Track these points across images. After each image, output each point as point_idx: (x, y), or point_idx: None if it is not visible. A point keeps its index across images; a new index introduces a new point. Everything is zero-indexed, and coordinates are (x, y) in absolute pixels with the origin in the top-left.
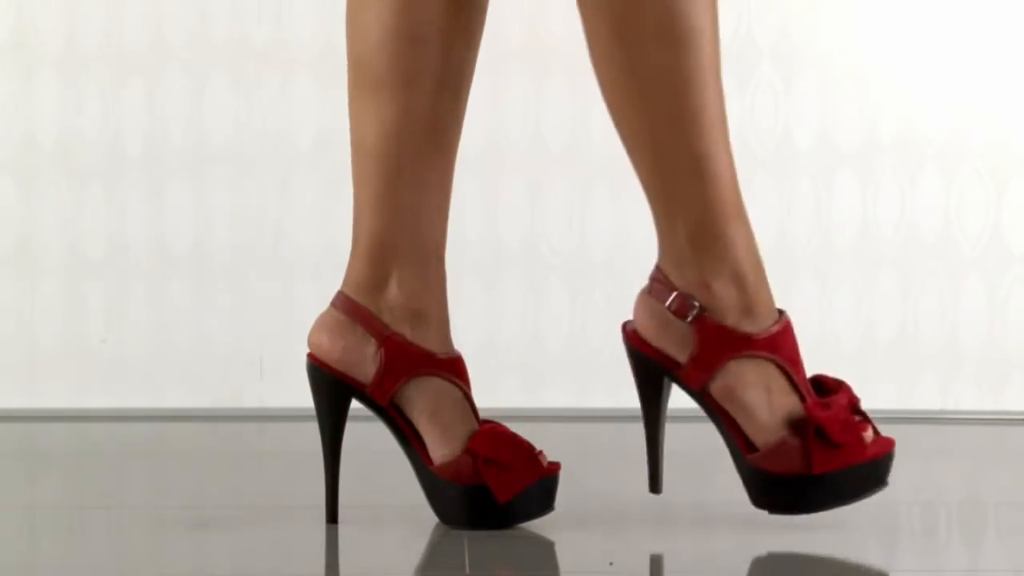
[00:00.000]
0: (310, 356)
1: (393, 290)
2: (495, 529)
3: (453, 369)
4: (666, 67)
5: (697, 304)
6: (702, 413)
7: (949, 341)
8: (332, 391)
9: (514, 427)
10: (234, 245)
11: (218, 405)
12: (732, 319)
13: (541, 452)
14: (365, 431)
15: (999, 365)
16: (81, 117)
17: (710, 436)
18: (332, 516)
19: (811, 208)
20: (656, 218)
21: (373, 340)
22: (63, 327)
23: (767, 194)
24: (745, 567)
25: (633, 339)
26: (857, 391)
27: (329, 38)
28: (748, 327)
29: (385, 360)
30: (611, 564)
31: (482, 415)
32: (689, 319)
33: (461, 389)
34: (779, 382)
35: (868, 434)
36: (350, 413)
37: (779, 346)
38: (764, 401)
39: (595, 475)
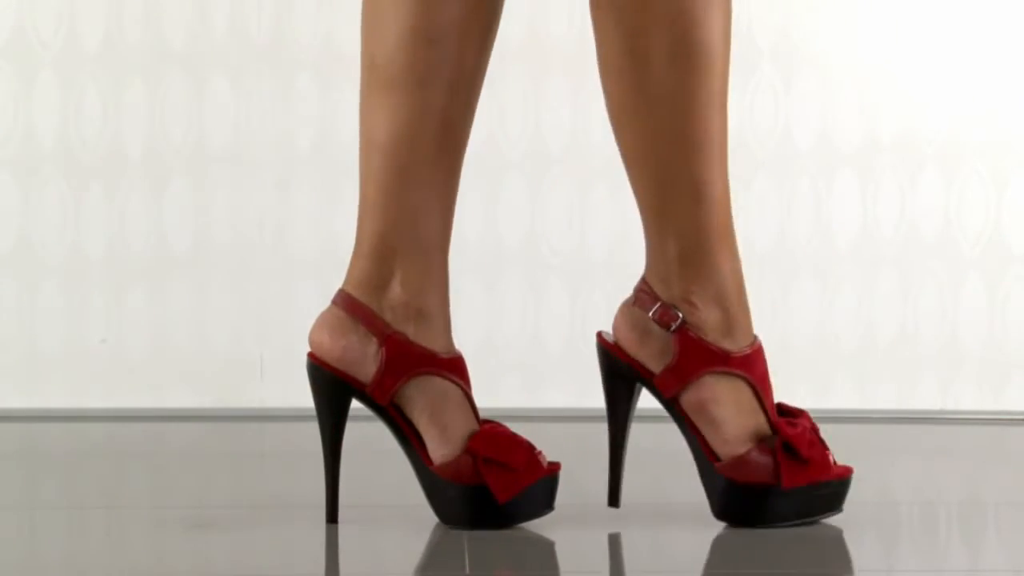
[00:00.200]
0: (310, 355)
1: (396, 289)
2: (495, 529)
3: (454, 369)
4: (676, 87)
5: (680, 315)
6: None
7: (949, 341)
8: (332, 390)
9: (514, 427)
10: (234, 245)
11: (218, 405)
12: (711, 336)
13: (540, 452)
14: (365, 431)
15: (999, 365)
16: (81, 117)
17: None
18: (332, 516)
19: (811, 208)
20: (647, 233)
21: (374, 339)
22: (63, 327)
23: (767, 194)
24: (746, 567)
25: (609, 347)
26: (857, 391)
27: (329, 38)
28: (727, 345)
29: (386, 359)
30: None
31: (482, 415)
32: (672, 328)
33: (462, 389)
34: (749, 400)
35: (831, 457)
36: (350, 413)
37: (753, 366)
38: (732, 416)
39: (595, 475)
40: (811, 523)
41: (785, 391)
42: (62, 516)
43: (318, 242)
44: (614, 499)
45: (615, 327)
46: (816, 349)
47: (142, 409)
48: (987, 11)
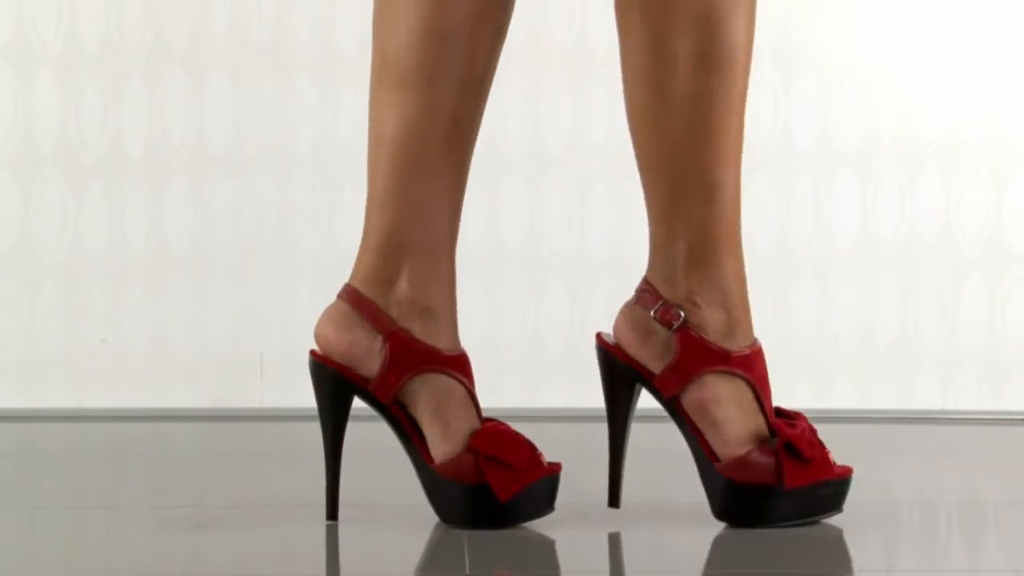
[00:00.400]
0: (313, 352)
1: (403, 285)
2: (495, 528)
3: (458, 366)
4: (698, 90)
5: (682, 314)
6: None
7: (949, 341)
8: (335, 386)
9: (514, 427)
10: (234, 245)
11: (218, 405)
12: (712, 336)
13: (540, 453)
14: (366, 430)
15: (999, 365)
16: (81, 117)
17: None
18: (332, 513)
19: (811, 208)
20: (655, 232)
21: (379, 335)
22: (63, 327)
23: (767, 194)
24: (746, 567)
25: (609, 347)
26: (857, 391)
27: (329, 38)
28: (727, 345)
29: (389, 356)
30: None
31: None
32: (674, 327)
33: (465, 387)
34: (749, 401)
35: (831, 456)
36: (352, 412)
37: (753, 366)
38: (733, 416)
39: (595, 475)
40: (812, 523)
41: (785, 391)
42: (62, 516)
43: (318, 242)
44: (614, 500)
45: (616, 328)
46: (816, 349)
47: (142, 409)
48: (987, 11)
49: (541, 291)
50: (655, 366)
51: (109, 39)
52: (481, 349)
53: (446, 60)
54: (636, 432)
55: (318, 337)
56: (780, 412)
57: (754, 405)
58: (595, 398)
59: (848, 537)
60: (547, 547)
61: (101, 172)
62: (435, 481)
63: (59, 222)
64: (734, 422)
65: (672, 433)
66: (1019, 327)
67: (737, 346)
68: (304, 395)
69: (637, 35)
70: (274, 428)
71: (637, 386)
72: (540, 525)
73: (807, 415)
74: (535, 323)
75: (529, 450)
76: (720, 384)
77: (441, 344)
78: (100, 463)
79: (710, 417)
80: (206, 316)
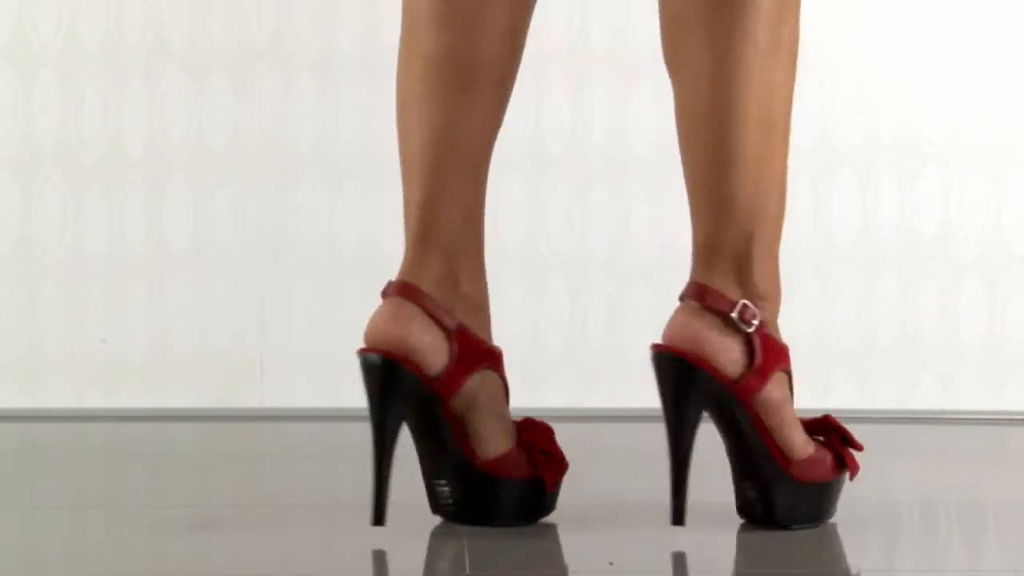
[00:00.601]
0: (372, 349)
1: (463, 283)
2: (540, 519)
3: (500, 362)
4: (779, 82)
5: (758, 312)
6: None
7: (949, 341)
8: (396, 381)
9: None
10: (234, 245)
11: (218, 405)
12: (773, 331)
13: None
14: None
15: (999, 365)
16: (81, 117)
17: (706, 437)
18: (380, 517)
19: (811, 208)
20: (718, 231)
21: (440, 331)
22: (63, 327)
23: None
24: (746, 567)
25: (687, 355)
26: (857, 391)
27: (329, 38)
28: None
29: (458, 352)
30: (611, 564)
31: None
32: (753, 327)
33: (505, 383)
34: (789, 395)
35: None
36: (347, 413)
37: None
38: (794, 414)
39: (595, 475)
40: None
41: None
42: (62, 516)
43: (318, 242)
44: (680, 517)
45: (689, 334)
46: (816, 349)
47: (142, 409)
48: (987, 11)
49: (541, 291)
50: (732, 370)
51: (109, 39)
52: None
53: (474, 72)
54: (636, 432)
55: (374, 332)
56: None
57: (791, 398)
58: (595, 398)
59: (848, 537)
60: (547, 547)
61: (101, 172)
62: (481, 478)
63: (59, 222)
64: (796, 421)
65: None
66: (1019, 327)
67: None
68: (304, 395)
69: (698, 34)
70: (274, 428)
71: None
72: (540, 525)
73: (807, 415)
74: (535, 323)
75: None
76: (784, 382)
77: (488, 340)
78: (100, 463)
79: (781, 417)
80: (206, 316)
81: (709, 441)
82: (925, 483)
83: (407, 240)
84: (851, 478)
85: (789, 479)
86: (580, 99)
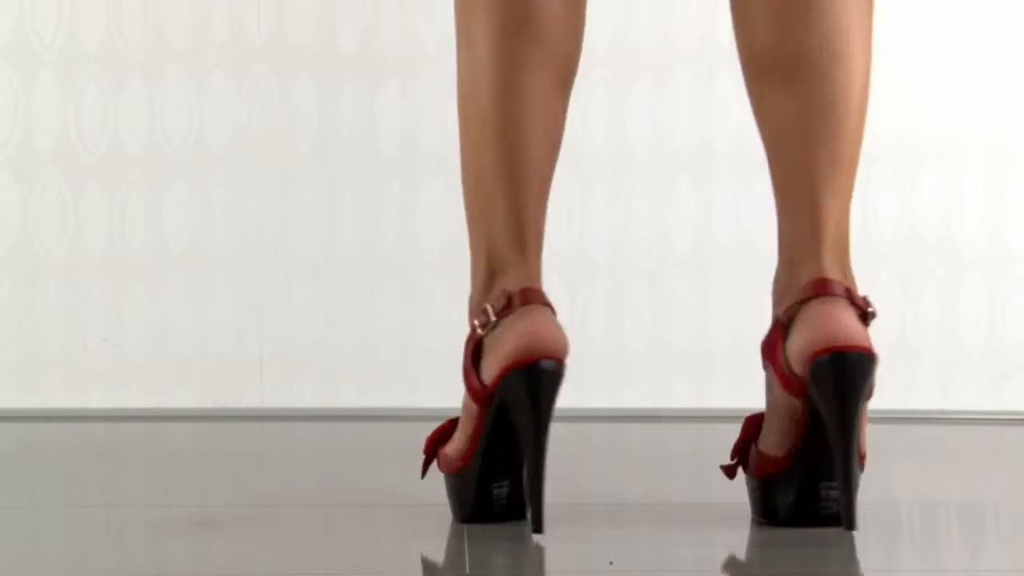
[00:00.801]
0: (548, 356)
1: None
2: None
3: None
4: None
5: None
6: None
7: (949, 341)
8: (557, 385)
9: None
10: (234, 245)
11: (218, 405)
12: None
13: None
14: (365, 430)
15: (999, 365)
16: (81, 117)
17: (706, 436)
18: (540, 524)
19: None
20: (827, 220)
21: None
22: (63, 327)
23: (768, 194)
24: (746, 567)
25: (864, 349)
26: None
27: (329, 38)
28: None
29: None
30: (611, 563)
31: None
32: (870, 314)
33: None
34: None
35: None
36: (340, 411)
37: None
38: None
39: (595, 475)
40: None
41: None
42: (62, 516)
43: (318, 242)
44: (851, 521)
45: (860, 332)
46: None
47: (142, 409)
48: (987, 11)
49: None
50: None
51: (109, 39)
52: None
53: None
54: (636, 432)
55: (545, 340)
56: None
57: None
58: (595, 398)
59: (848, 537)
60: (547, 547)
61: (101, 172)
62: None
63: (59, 222)
64: None
65: (672, 433)
66: (1019, 327)
67: None
68: (304, 395)
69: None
70: (274, 428)
71: None
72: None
73: None
74: None
75: None
76: None
77: None
78: (100, 463)
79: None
80: (206, 316)
81: (710, 441)
82: (925, 483)
83: (512, 248)
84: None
85: (857, 478)
86: (580, 99)
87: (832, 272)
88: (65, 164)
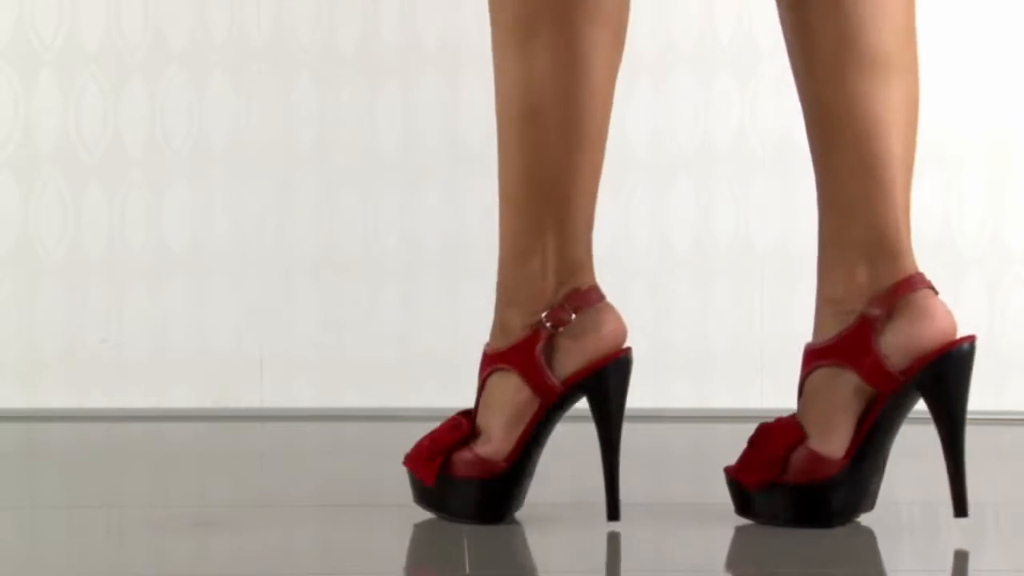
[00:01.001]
0: (626, 350)
1: None
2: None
3: None
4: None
5: None
6: (694, 414)
7: None
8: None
9: None
10: (234, 245)
11: (218, 405)
12: None
13: None
14: (363, 430)
15: (999, 365)
16: (81, 117)
17: (706, 436)
18: (616, 512)
19: (811, 208)
20: (902, 218)
21: None
22: (63, 327)
23: (768, 194)
24: (747, 567)
25: (973, 341)
26: None
27: (329, 38)
28: None
29: None
30: (607, 562)
31: None
32: None
33: None
34: None
35: None
36: (340, 411)
37: None
38: None
39: (596, 475)
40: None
41: (785, 391)
42: (62, 516)
43: (318, 242)
44: (961, 508)
45: (956, 323)
46: None
47: (142, 409)
48: (987, 11)
49: None
50: None
51: (109, 39)
52: (482, 350)
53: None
54: (636, 432)
55: (622, 333)
56: None
57: None
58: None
59: (848, 537)
60: (548, 547)
61: (101, 172)
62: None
63: (59, 222)
64: None
65: (672, 433)
66: (1019, 327)
67: None
68: (304, 395)
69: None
70: (274, 428)
71: None
72: (540, 525)
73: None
74: None
75: None
76: None
77: None
78: (100, 463)
79: None
80: (206, 316)
81: (710, 441)
82: (925, 483)
83: (582, 247)
84: None
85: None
86: None
87: (914, 266)
88: (65, 164)
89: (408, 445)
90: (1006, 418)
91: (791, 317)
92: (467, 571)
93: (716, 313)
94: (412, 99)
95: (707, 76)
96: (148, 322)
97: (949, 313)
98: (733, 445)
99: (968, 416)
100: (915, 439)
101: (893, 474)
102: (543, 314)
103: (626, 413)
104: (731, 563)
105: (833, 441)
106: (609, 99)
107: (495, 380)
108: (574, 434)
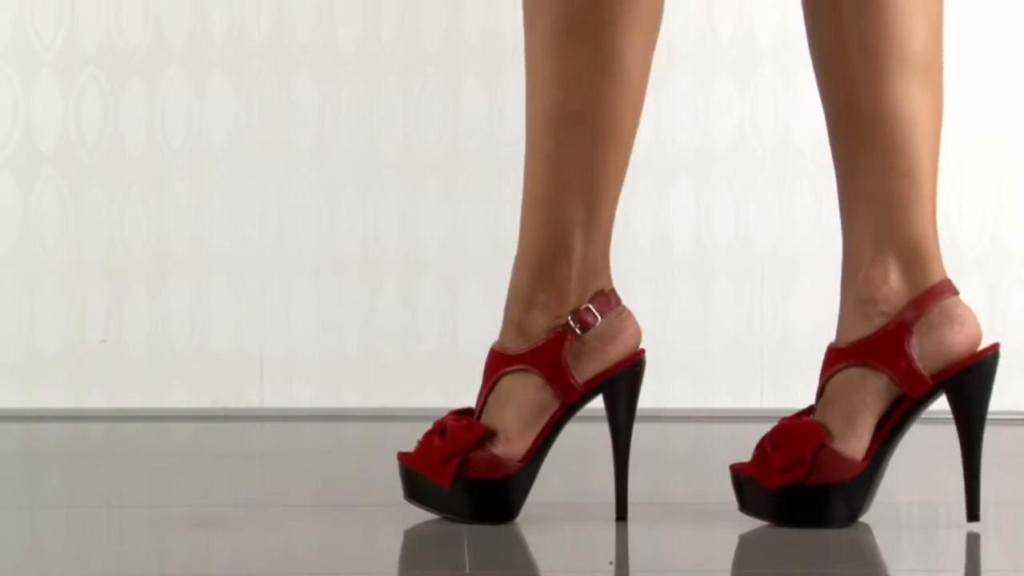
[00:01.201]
0: (642, 353)
1: None
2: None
3: None
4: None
5: None
6: (694, 414)
7: None
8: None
9: None
10: (234, 245)
11: (218, 405)
12: None
13: None
14: (363, 429)
15: (999, 365)
16: (81, 117)
17: (706, 436)
18: (623, 512)
19: (811, 208)
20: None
21: None
22: (63, 327)
23: (767, 194)
24: (747, 567)
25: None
26: None
27: (329, 38)
28: None
29: None
30: (611, 564)
31: None
32: None
33: None
34: None
35: None
36: (345, 412)
37: None
38: None
39: (596, 475)
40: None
41: (785, 391)
42: (62, 515)
43: (318, 242)
44: (974, 512)
45: (978, 332)
46: (816, 349)
47: (142, 409)
48: (987, 11)
49: None
50: None
51: (109, 39)
52: (482, 350)
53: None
54: (636, 432)
55: (639, 334)
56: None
57: None
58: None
59: (848, 537)
60: (547, 547)
61: (101, 172)
62: None
63: (59, 222)
64: None
65: (672, 433)
66: (1019, 327)
67: None
68: (304, 395)
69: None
70: (274, 428)
71: None
72: (541, 524)
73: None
74: None
75: None
76: None
77: None
78: (100, 463)
79: None
80: (206, 316)
81: (710, 441)
82: (925, 483)
83: (597, 249)
84: None
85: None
86: None
87: (943, 272)
88: (65, 164)
89: (408, 445)
90: (1006, 418)
91: (791, 317)
92: (467, 571)
93: (716, 313)
94: (412, 99)
95: (707, 76)
96: (148, 322)
97: (976, 320)
98: (733, 445)
99: None
100: (914, 439)
101: (893, 474)
102: (569, 317)
103: None
104: (731, 563)
105: (854, 443)
106: (641, 102)
107: (511, 381)
108: (573, 434)
